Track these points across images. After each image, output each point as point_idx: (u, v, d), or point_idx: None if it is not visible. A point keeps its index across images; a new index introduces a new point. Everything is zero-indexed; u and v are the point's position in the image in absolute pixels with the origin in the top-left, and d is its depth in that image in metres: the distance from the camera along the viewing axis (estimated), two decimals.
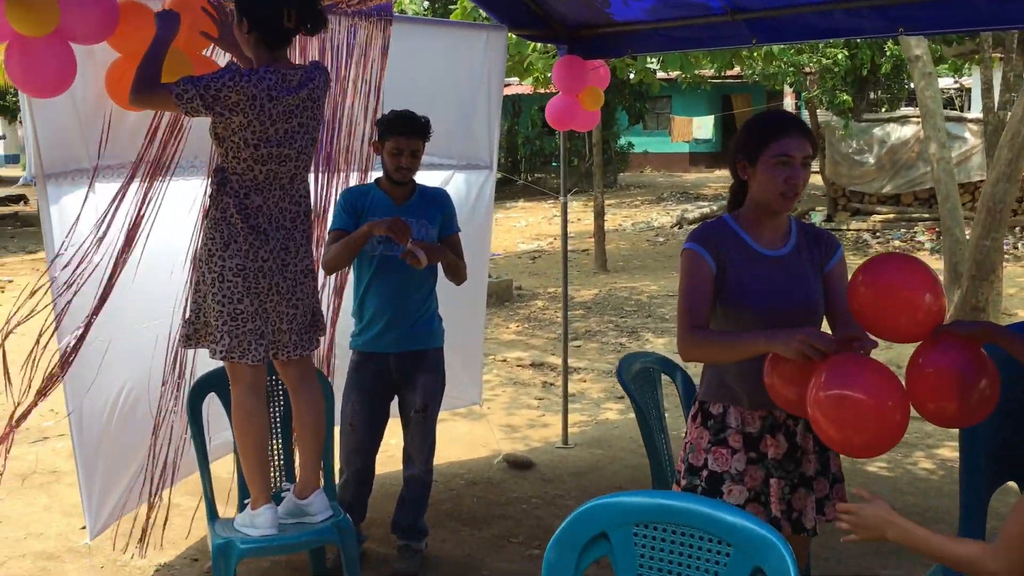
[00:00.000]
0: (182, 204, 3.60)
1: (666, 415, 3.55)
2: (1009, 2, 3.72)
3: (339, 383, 3.86)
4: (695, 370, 2.82)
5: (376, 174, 3.94)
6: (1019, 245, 13.18)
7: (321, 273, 3.60)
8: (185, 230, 3.60)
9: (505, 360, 7.73)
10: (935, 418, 2.33)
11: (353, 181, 4.10)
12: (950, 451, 5.24)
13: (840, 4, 4.07)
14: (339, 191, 3.98)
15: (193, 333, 3.18)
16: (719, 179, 23.74)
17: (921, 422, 2.93)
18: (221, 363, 3.19)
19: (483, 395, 5.55)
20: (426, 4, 21.60)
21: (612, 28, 4.78)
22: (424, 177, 4.54)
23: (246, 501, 3.28)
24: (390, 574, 3.82)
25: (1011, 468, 2.76)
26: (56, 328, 3.28)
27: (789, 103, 25.31)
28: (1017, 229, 13.64)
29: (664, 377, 3.50)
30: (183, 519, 4.03)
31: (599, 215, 12.53)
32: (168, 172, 3.45)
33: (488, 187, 4.88)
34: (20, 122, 24.06)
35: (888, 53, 14.93)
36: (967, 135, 14.69)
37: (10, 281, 12.26)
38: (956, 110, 20.20)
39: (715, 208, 17.80)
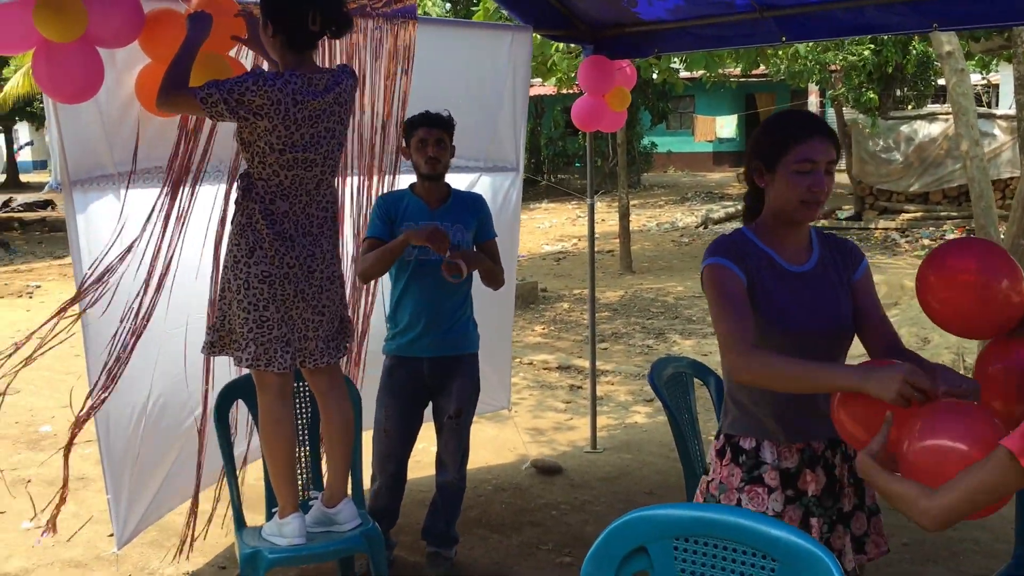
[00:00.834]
0: (207, 209, 3.58)
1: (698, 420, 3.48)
2: None
3: (370, 390, 3.83)
4: None
5: (406, 179, 3.90)
6: None
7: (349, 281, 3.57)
8: (210, 236, 3.58)
9: (531, 363, 7.68)
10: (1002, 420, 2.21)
11: (383, 186, 4.06)
12: None
13: (872, 0, 3.99)
14: (365, 195, 3.95)
15: (218, 340, 3.14)
16: (744, 178, 23.57)
17: None
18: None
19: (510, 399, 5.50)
20: (448, 6, 21.62)
21: (639, 27, 4.72)
22: (450, 180, 4.50)
23: (274, 510, 3.24)
24: None
25: None
26: (85, 338, 3.26)
27: (814, 101, 25.11)
28: None
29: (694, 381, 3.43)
30: (211, 527, 4.01)
31: (624, 216, 12.46)
32: (194, 178, 3.43)
33: (515, 189, 4.84)
34: (47, 128, 24.30)
35: (914, 51, 14.76)
36: (996, 132, 14.51)
37: (38, 286, 12.35)
38: (984, 107, 19.94)
39: (740, 207, 17.64)
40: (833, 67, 15.21)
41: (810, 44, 12.47)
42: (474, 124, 4.54)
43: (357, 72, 3.77)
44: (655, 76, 11.98)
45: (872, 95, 15.17)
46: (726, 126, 24.82)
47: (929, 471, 1.79)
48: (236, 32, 3.14)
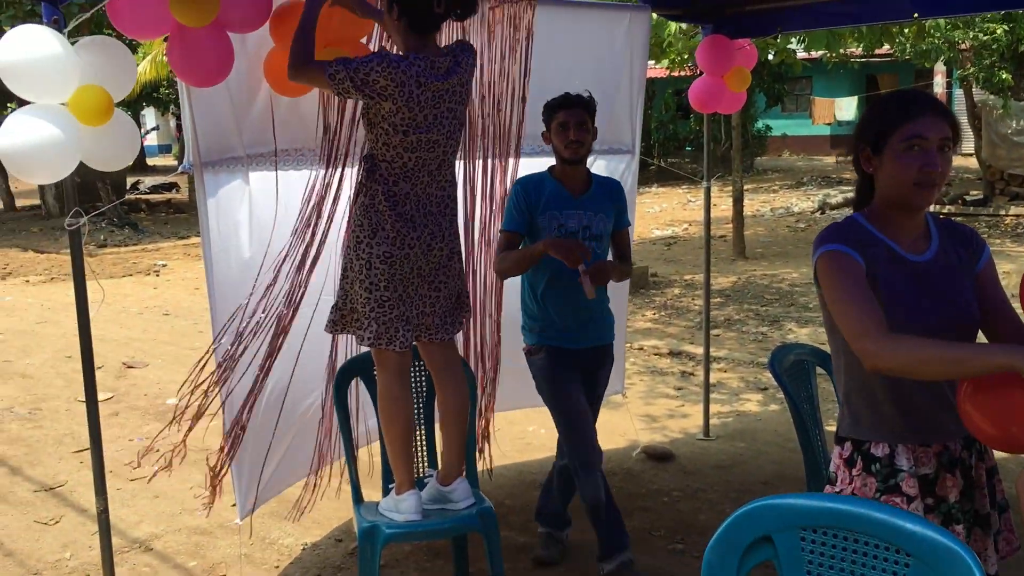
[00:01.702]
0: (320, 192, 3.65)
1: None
2: None
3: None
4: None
5: (530, 162, 3.87)
6: None
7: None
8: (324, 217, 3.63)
9: (642, 348, 7.61)
10: None
11: (508, 170, 4.06)
12: None
13: None
14: (484, 176, 3.96)
15: (340, 319, 3.21)
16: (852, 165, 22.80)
17: None
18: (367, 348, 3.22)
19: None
20: None
21: (760, 5, 4.60)
22: None
23: (390, 486, 3.30)
24: (532, 559, 3.80)
25: None
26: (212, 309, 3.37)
27: (940, 82, 24.05)
28: None
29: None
30: (328, 500, 4.12)
31: (738, 200, 12.20)
32: (342, 160, 3.52)
33: (631, 172, 4.78)
34: (172, 113, 25.26)
35: None
36: None
37: (164, 265, 12.90)
38: None
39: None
40: (962, 45, 14.51)
41: (940, 20, 11.91)
42: None
43: (478, 54, 3.79)
44: (771, 57, 11.67)
45: (1005, 75, 14.41)
46: (846, 108, 24.03)
47: None
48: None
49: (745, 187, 13.85)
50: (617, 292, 4.82)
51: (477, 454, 4.07)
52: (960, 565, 1.59)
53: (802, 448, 3.06)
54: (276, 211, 3.44)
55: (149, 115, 34.11)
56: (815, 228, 14.55)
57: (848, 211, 14.93)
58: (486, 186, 4.08)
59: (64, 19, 2.80)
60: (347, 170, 3.52)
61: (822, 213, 16.03)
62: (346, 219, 3.52)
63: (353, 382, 3.51)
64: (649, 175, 21.51)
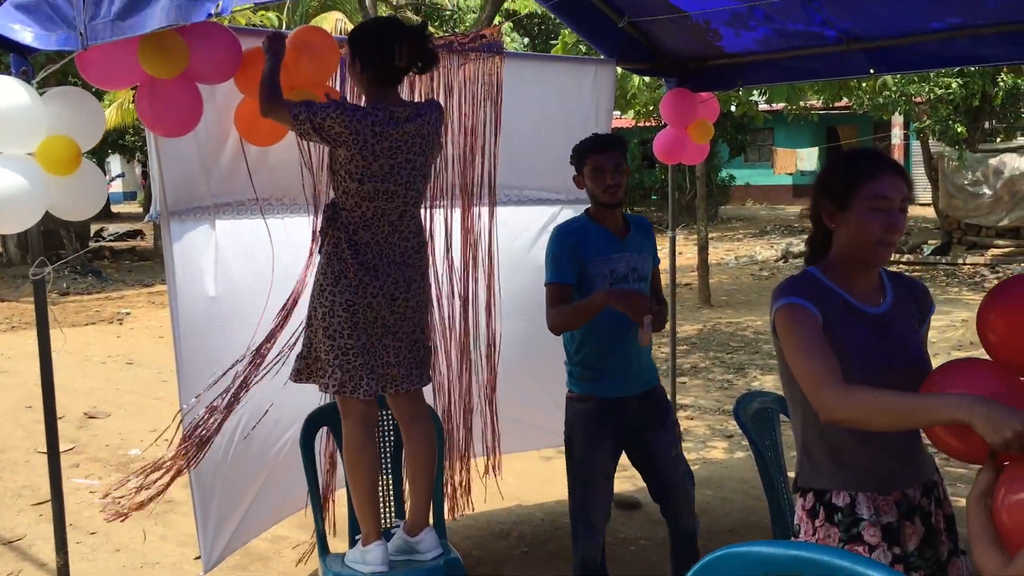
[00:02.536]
0: (292, 239, 3.66)
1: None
2: None
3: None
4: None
5: (501, 210, 3.91)
6: None
7: None
8: (290, 266, 3.65)
9: None
10: None
11: (473, 215, 4.10)
12: None
13: (964, 31, 3.92)
14: (458, 225, 4.00)
15: (304, 368, 3.21)
16: (808, 218, 23.19)
17: None
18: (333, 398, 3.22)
19: None
20: (526, 40, 21.87)
21: (723, 60, 4.71)
22: (532, 211, 4.55)
23: (357, 537, 3.28)
24: None
25: None
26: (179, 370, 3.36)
27: (897, 133, 24.62)
28: None
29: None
30: (294, 553, 4.07)
31: (703, 248, 12.35)
32: (284, 208, 3.53)
33: None
34: (138, 160, 25.17)
35: (1003, 82, 14.38)
36: None
37: (128, 313, 12.77)
38: None
39: None
40: (919, 99, 14.91)
41: (897, 76, 12.25)
42: (557, 156, 4.53)
43: (447, 106, 3.85)
44: (734, 109, 11.92)
45: (960, 128, 14.80)
46: (807, 158, 24.47)
47: (1018, 528, 1.71)
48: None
49: (710, 235, 14.03)
50: None
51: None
52: None
53: (767, 496, 3.07)
54: (266, 255, 3.48)
55: (114, 162, 33.94)
56: (778, 276, 14.73)
57: None
58: (465, 236, 4.12)
59: (33, 70, 2.82)
60: (286, 217, 3.58)
61: (785, 261, 16.24)
62: (296, 267, 3.56)
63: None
64: None
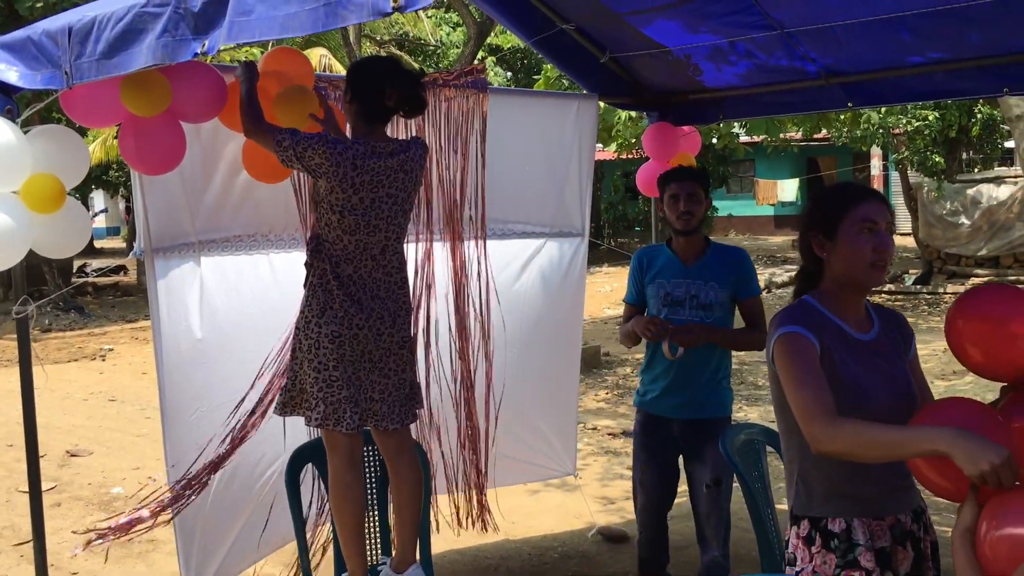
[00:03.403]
0: (279, 276, 3.67)
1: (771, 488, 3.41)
2: None
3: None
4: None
5: (496, 244, 4.12)
6: None
7: None
8: (277, 303, 3.64)
9: (595, 428, 7.62)
10: None
11: (463, 248, 4.14)
12: None
13: (941, 66, 3.99)
14: (447, 261, 4.02)
15: (289, 401, 3.20)
16: (799, 250, 23.35)
17: None
18: (319, 433, 3.21)
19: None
20: (509, 75, 22.08)
21: (703, 94, 4.76)
22: (517, 245, 4.57)
23: (344, 574, 3.25)
24: None
25: None
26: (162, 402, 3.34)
27: (877, 165, 24.88)
28: None
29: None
30: None
31: None
32: (270, 244, 3.54)
33: (580, 254, 4.86)
34: (121, 195, 25.12)
35: (979, 113, 14.60)
36: None
37: (111, 349, 12.67)
38: None
39: None
40: (897, 131, 15.11)
41: (878, 109, 12.43)
42: (541, 190, 4.60)
43: (432, 142, 3.88)
44: (715, 141, 12.05)
45: (938, 158, 14.98)
46: (787, 189, 24.68)
47: (1000, 562, 1.74)
48: (314, 110, 3.24)
49: None
50: (566, 370, 4.88)
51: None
52: None
53: (754, 528, 3.08)
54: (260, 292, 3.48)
55: (98, 197, 33.89)
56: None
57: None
58: (456, 269, 4.13)
59: (18, 108, 2.82)
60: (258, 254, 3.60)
61: (768, 292, 16.32)
62: (278, 301, 3.57)
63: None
64: (599, 255, 21.79)
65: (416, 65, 17.99)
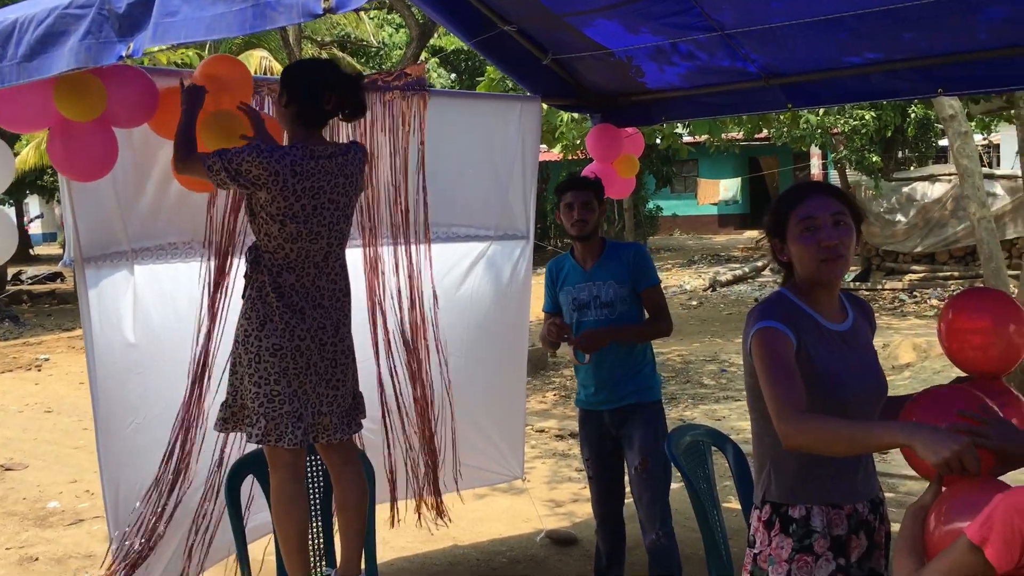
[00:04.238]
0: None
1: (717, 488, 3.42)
2: None
3: None
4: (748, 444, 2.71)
5: (441, 248, 4.14)
6: None
7: None
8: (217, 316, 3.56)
9: (543, 431, 7.61)
10: None
11: (397, 253, 4.07)
12: None
13: (878, 67, 4.03)
14: (389, 264, 3.97)
15: (230, 417, 3.12)
16: (749, 240, 23.67)
17: None
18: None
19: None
20: (453, 76, 22.01)
21: (646, 96, 4.77)
22: (461, 248, 4.53)
23: None
24: None
25: None
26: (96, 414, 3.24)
27: (816, 164, 25.30)
28: None
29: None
30: None
31: None
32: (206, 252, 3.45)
33: (525, 256, 4.84)
34: (57, 201, 24.53)
35: (913, 113, 14.91)
36: (999, 191, 14.57)
37: (47, 359, 12.35)
38: (986, 167, 20.07)
39: (747, 269, 17.70)
40: (835, 130, 15.36)
41: (817, 110, 12.65)
42: (485, 193, 4.57)
43: (372, 145, 3.82)
44: (659, 141, 12.12)
45: (875, 158, 15.27)
46: (730, 189, 24.98)
47: (939, 546, 1.81)
48: (244, 131, 3.14)
49: None
50: (512, 373, 4.86)
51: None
52: None
53: (700, 528, 3.08)
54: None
55: (33, 203, 33.08)
56: (708, 305, 14.96)
57: (739, 288, 15.28)
58: (397, 275, 4.08)
59: None
60: (235, 261, 3.47)
61: (713, 290, 16.49)
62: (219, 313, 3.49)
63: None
64: (546, 256, 21.80)
65: (358, 67, 17.85)
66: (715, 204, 26.03)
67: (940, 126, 8.70)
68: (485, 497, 5.56)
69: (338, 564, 3.26)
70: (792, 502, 2.24)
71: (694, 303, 15.30)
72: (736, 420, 7.51)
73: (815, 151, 23.11)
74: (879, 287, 15.26)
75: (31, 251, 30.39)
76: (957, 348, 2.47)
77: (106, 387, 3.27)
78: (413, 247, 4.12)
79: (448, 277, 4.46)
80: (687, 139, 14.68)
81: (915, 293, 14.66)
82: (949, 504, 1.85)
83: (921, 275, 15.33)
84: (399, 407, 4.13)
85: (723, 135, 13.61)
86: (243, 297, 3.07)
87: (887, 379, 2.35)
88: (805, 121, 12.90)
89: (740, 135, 14.11)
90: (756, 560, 2.27)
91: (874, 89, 4.27)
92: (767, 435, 2.25)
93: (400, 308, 4.09)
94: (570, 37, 4.26)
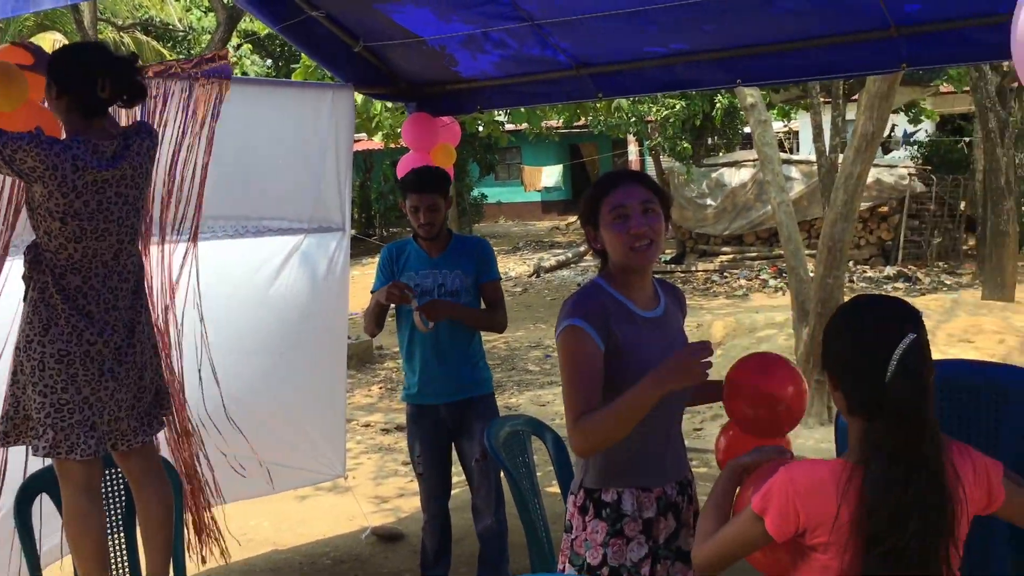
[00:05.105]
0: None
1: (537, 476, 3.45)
2: (835, 54, 3.89)
3: None
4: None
5: (210, 243, 3.82)
6: (854, 279, 13.92)
7: None
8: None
9: (368, 425, 7.49)
10: None
11: (180, 248, 3.81)
12: None
13: (681, 58, 4.16)
14: (159, 260, 3.70)
15: (12, 430, 2.87)
16: (571, 227, 24.21)
17: None
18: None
19: (347, 465, 5.31)
20: (268, 63, 21.31)
21: (460, 85, 4.73)
22: (274, 242, 4.37)
23: None
24: None
25: None
26: None
27: (634, 151, 26.17)
28: (851, 264, 14.41)
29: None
30: None
31: None
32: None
33: (342, 249, 4.71)
34: None
35: (719, 102, 15.65)
36: (795, 175, 15.49)
37: None
38: (787, 152, 21.33)
39: (570, 255, 18.07)
40: (649, 119, 15.92)
41: (628, 99, 13.05)
42: (297, 185, 4.42)
43: (164, 136, 3.58)
44: (480, 129, 12.19)
45: (686, 144, 15.93)
46: (552, 176, 25.46)
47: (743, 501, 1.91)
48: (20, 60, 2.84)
49: None
50: (331, 368, 4.73)
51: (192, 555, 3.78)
52: None
53: (521, 517, 3.09)
54: None
55: None
56: (532, 292, 15.18)
57: (562, 273, 15.56)
58: (185, 270, 3.83)
59: None
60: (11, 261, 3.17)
61: (538, 276, 16.76)
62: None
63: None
64: (371, 246, 21.56)
65: (165, 52, 16.98)
66: (539, 191, 26.49)
67: (745, 115, 9.19)
68: (307, 498, 5.42)
69: None
70: (605, 486, 2.27)
71: (519, 290, 15.50)
72: (560, 405, 7.64)
73: (632, 138, 23.90)
74: (692, 269, 15.96)
75: None
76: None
77: None
78: (199, 243, 3.83)
79: (260, 273, 4.29)
80: (509, 127, 14.84)
81: (725, 274, 15.41)
82: (761, 470, 1.91)
83: (731, 256, 16.13)
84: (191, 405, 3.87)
85: (543, 123, 13.84)
86: (24, 300, 2.82)
87: None
88: (618, 108, 13.29)
89: (560, 123, 14.39)
90: (573, 545, 2.30)
91: (679, 79, 4.41)
92: None
93: (194, 304, 3.81)
94: (381, 24, 4.16)
